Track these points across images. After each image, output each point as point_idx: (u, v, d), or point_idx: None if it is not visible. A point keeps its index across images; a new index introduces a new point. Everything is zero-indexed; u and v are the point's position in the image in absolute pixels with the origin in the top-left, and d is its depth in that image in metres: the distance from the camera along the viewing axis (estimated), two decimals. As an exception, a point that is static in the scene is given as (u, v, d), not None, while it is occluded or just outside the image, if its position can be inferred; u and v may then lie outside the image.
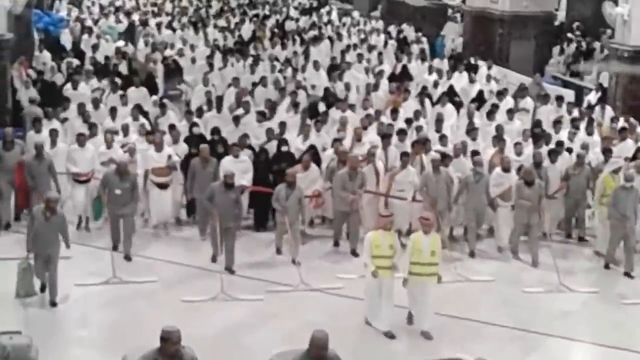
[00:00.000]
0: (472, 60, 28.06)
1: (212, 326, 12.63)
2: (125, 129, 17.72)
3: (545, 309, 13.83)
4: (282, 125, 18.61)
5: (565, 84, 26.69)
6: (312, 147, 17.45)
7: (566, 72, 29.74)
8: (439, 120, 19.62)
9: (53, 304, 13.00)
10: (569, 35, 32.50)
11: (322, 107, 21.72)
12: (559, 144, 17.88)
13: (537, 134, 19.31)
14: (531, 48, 30.22)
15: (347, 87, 23.46)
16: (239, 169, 16.03)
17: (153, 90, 23.17)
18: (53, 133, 16.85)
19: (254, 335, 12.45)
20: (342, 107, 20.66)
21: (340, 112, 20.43)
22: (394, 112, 20.29)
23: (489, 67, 26.45)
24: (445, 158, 16.34)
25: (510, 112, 20.74)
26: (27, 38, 26.45)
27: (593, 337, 13.04)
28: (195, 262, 14.96)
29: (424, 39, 33.18)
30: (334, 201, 15.95)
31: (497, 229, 16.43)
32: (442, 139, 17.96)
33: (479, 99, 23.13)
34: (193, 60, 26.21)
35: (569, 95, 24.40)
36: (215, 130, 17.73)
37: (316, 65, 25.62)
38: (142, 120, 18.97)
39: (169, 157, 16.12)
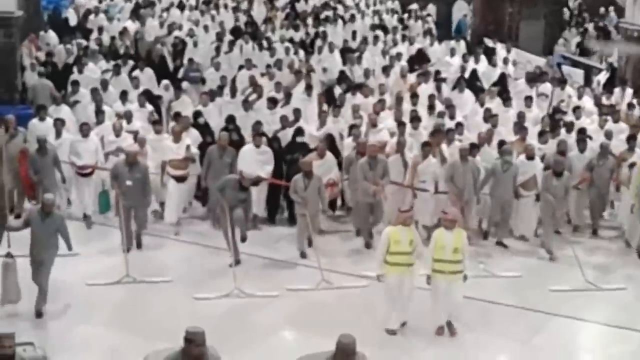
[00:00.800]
0: (491, 43, 27.07)
1: (226, 325, 11.92)
2: (129, 116, 16.92)
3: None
4: (297, 112, 17.80)
5: (575, 64, 26.04)
6: (330, 136, 16.65)
7: (576, 51, 29.14)
8: (451, 107, 18.82)
9: (39, 314, 11.93)
10: (584, 15, 31.85)
11: (337, 91, 20.85)
12: (582, 131, 17.14)
13: (556, 121, 18.58)
14: (541, 27, 29.81)
15: (367, 73, 22.50)
16: (260, 160, 15.37)
17: (164, 73, 22.26)
18: (58, 123, 15.93)
19: (272, 338, 11.85)
20: (365, 93, 19.89)
21: (363, 97, 19.68)
22: (414, 97, 19.45)
23: (508, 50, 25.51)
24: (473, 148, 15.62)
25: (529, 99, 19.86)
26: (36, 16, 25.91)
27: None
28: (209, 260, 14.34)
29: (430, 18, 32.39)
30: (355, 192, 15.23)
31: (517, 218, 15.81)
32: (458, 127, 17.19)
33: (501, 84, 22.18)
34: (195, 44, 25.11)
35: (579, 75, 23.97)
36: (231, 119, 16.98)
37: (331, 47, 24.74)
38: (149, 107, 18.19)
39: (188, 147, 15.33)
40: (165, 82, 20.88)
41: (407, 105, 19.09)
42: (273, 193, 16.00)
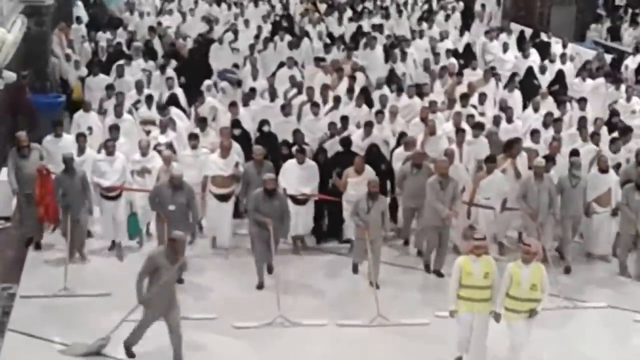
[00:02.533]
0: (545, 37, 24.88)
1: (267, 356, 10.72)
2: (164, 125, 15.19)
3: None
4: (344, 119, 16.03)
5: (607, 50, 24.59)
6: (374, 146, 14.82)
7: (607, 37, 27.77)
8: (508, 109, 16.95)
9: None
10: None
11: (384, 91, 18.76)
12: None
13: (616, 125, 16.75)
14: (572, 13, 28.81)
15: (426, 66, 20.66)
16: (304, 176, 13.68)
17: (205, 73, 20.36)
18: (80, 139, 13.94)
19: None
20: (410, 93, 18.10)
21: (407, 98, 17.88)
22: (464, 98, 17.52)
23: (564, 45, 23.43)
24: (548, 161, 13.92)
25: (583, 101, 17.96)
26: (67, 4, 25.60)
27: None
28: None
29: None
30: (425, 214, 13.37)
31: (589, 237, 14.16)
32: (534, 134, 15.31)
33: (559, 82, 20.23)
34: (220, 41, 22.76)
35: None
36: (264, 123, 15.35)
37: (371, 42, 22.48)
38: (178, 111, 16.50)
39: (237, 164, 13.61)
40: (207, 82, 18.95)
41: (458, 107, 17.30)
42: (321, 211, 14.32)
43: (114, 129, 14.42)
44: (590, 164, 14.65)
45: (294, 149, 14.21)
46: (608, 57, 23.24)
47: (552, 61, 21.39)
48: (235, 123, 15.53)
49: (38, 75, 18.74)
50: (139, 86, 17.76)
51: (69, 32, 23.35)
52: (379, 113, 16.27)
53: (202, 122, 15.42)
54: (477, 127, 15.32)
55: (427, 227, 13.31)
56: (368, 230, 12.51)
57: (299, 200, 13.55)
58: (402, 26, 26.07)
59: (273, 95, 17.64)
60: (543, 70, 20.87)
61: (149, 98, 16.95)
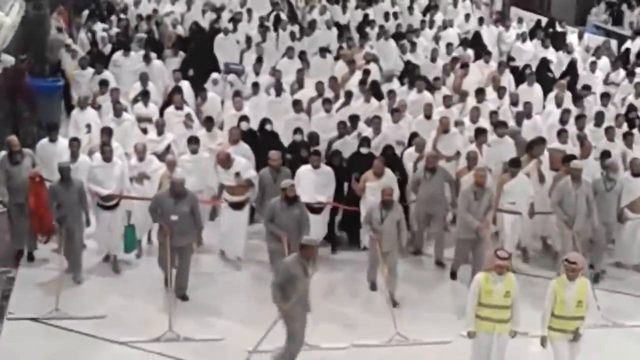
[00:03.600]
0: (558, 27, 23.34)
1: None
2: (161, 125, 13.80)
3: None
4: (354, 117, 14.66)
5: (608, 33, 24.17)
6: (389, 148, 13.54)
7: (608, 20, 26.73)
8: (527, 104, 15.55)
9: None
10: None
11: (394, 85, 17.56)
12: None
13: (633, 121, 15.71)
14: None
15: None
16: (319, 183, 12.47)
17: (212, 64, 18.92)
18: (74, 144, 12.53)
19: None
20: (420, 87, 16.67)
21: (416, 92, 16.55)
22: (480, 93, 16.15)
23: (580, 36, 22.03)
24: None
25: (606, 97, 16.58)
26: None
27: None
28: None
29: None
30: (458, 226, 12.20)
31: (622, 245, 12.98)
32: (562, 134, 13.97)
33: (571, 75, 18.90)
34: (226, 32, 20.90)
35: (613, 44, 22.12)
36: (266, 122, 14.07)
37: (386, 32, 21.03)
38: (187, 109, 15.10)
39: (237, 174, 12.27)
40: (214, 76, 17.62)
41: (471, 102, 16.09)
42: (334, 216, 13.12)
43: (106, 133, 12.99)
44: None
45: (302, 151, 13.08)
46: (612, 42, 22.32)
47: (569, 52, 20.11)
48: (243, 118, 14.22)
49: (37, 59, 17.62)
50: (143, 79, 16.46)
51: (67, 16, 22.21)
52: (395, 111, 14.95)
53: (208, 121, 14.13)
54: (501, 125, 14.03)
55: (458, 239, 12.11)
56: (380, 241, 11.36)
57: (315, 209, 12.36)
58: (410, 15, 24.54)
59: (279, 90, 16.30)
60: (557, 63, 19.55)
61: (145, 94, 15.67)
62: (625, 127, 15.10)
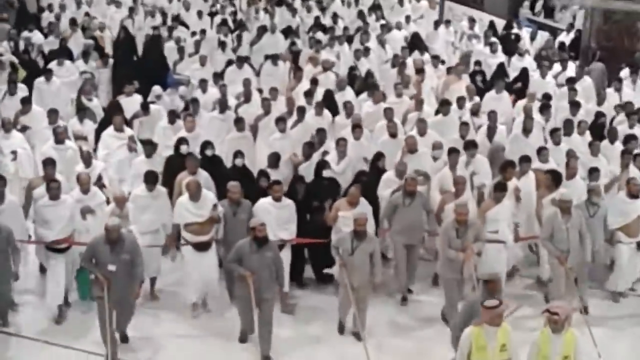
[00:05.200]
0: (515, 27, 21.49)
1: None
2: (87, 158, 11.63)
3: None
4: (321, 133, 12.90)
5: (540, 26, 22.67)
6: (363, 174, 11.78)
7: (540, 11, 25.51)
8: (492, 114, 13.86)
9: None
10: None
11: (348, 94, 15.64)
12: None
13: (602, 127, 14.22)
14: None
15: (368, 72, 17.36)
16: (282, 218, 10.63)
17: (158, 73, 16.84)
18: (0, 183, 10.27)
19: None
20: (376, 97, 14.84)
21: (372, 103, 14.73)
22: (445, 105, 14.27)
23: (533, 37, 20.41)
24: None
25: (575, 106, 14.68)
26: None
27: None
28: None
29: None
30: (441, 266, 10.45)
31: (615, 271, 11.45)
32: (541, 152, 12.32)
33: (523, 79, 17.18)
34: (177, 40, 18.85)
35: (544, 37, 20.88)
36: (207, 146, 12.15)
37: (338, 36, 19.21)
38: (129, 131, 13.03)
39: (215, 206, 10.40)
40: (157, 89, 15.42)
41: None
42: (297, 254, 11.22)
43: (50, 164, 10.87)
44: (608, 187, 12.03)
45: (262, 182, 11.20)
46: (544, 34, 21.06)
47: (521, 55, 18.48)
48: (183, 140, 12.23)
49: None
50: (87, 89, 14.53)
51: None
52: (357, 127, 13.14)
53: (149, 145, 12.16)
54: (471, 146, 12.31)
55: (445, 281, 10.39)
56: (347, 271, 9.75)
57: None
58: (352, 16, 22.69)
59: (224, 106, 14.18)
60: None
61: (80, 109, 13.88)
62: (588, 135, 13.64)
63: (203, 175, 11.12)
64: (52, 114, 13.08)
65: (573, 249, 10.45)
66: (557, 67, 17.76)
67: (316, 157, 12.27)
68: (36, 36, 18.70)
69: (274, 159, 11.95)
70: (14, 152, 12.26)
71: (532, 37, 20.48)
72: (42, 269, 11.03)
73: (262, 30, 19.61)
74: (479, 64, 17.72)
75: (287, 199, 10.70)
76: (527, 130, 13.42)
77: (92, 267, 9.43)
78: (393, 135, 13.07)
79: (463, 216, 10.01)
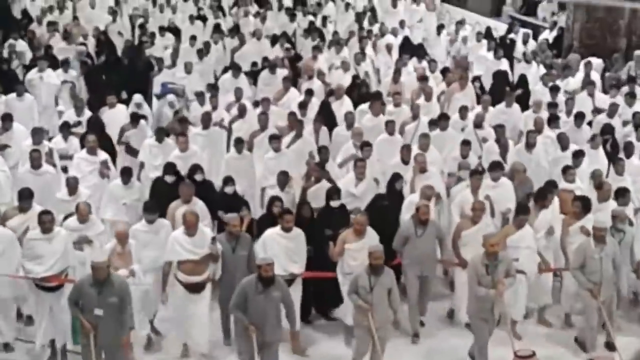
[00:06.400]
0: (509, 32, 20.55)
1: None
2: (72, 185, 10.37)
3: None
4: (324, 152, 11.74)
5: (523, 24, 22.01)
6: (381, 198, 10.64)
7: (522, 8, 24.97)
8: (499, 127, 12.75)
9: None
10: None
11: (346, 105, 14.49)
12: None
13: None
14: None
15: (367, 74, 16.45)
16: (291, 249, 9.49)
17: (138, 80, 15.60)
18: None
19: None
20: (376, 109, 13.65)
21: (372, 116, 13.55)
22: (443, 119, 13.10)
23: (525, 41, 19.34)
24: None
25: (580, 118, 13.69)
26: None
27: None
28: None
29: None
30: (472, 302, 9.19)
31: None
32: (567, 172, 11.22)
33: (522, 86, 16.07)
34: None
35: (528, 35, 20.03)
36: (170, 168, 10.95)
37: (338, 40, 18.09)
38: (103, 154, 11.62)
39: (213, 240, 9.19)
40: (137, 97, 14.24)
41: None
42: (306, 288, 10.05)
43: (26, 197, 9.64)
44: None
45: (275, 207, 9.98)
46: (528, 32, 20.09)
47: (528, 62, 17.41)
48: (169, 169, 11.01)
49: None
50: (78, 105, 13.27)
51: None
52: (366, 146, 11.90)
53: (126, 173, 10.89)
54: (497, 167, 11.19)
55: (473, 320, 9.24)
56: (373, 313, 8.62)
57: (285, 281, 9.16)
58: (347, 20, 21.44)
59: (206, 121, 12.89)
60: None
61: (64, 126, 12.48)
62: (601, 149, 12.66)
63: (199, 205, 9.98)
64: (37, 134, 11.81)
65: (606, 281, 9.43)
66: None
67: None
68: (20, 44, 17.38)
69: (284, 179, 10.84)
70: (-9, 175, 11.08)
71: (525, 41, 19.45)
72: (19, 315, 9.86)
73: (244, 35, 18.44)
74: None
75: (297, 229, 9.57)
76: (530, 145, 12.33)
77: (76, 311, 8.31)
78: (406, 162, 11.66)
79: (494, 249, 8.92)
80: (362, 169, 11.17)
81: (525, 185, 11.17)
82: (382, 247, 8.93)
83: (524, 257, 9.74)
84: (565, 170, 11.25)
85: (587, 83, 15.52)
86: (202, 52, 17.02)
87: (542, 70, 16.79)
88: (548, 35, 20.43)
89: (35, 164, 10.94)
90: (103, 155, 11.57)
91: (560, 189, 10.85)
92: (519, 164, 11.57)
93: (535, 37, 20.21)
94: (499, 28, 21.56)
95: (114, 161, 12.09)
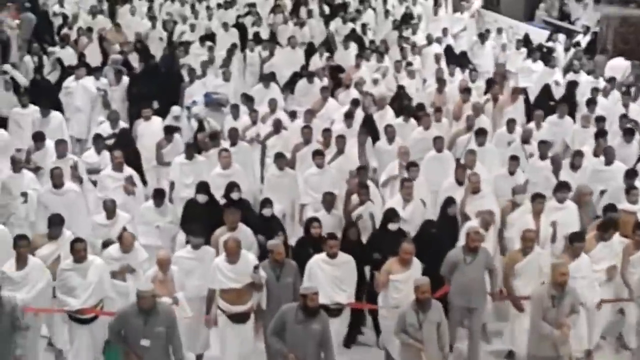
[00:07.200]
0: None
1: None
2: (110, 207, 9.77)
3: None
4: (362, 173, 10.99)
5: (557, 29, 21.56)
6: (430, 224, 9.89)
7: (557, 14, 24.41)
8: (543, 144, 11.96)
9: None
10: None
11: (389, 115, 13.81)
12: None
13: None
14: None
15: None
16: (338, 277, 8.83)
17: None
18: (21, 242, 8.43)
19: None
20: (426, 123, 12.92)
21: (422, 129, 12.83)
22: (481, 135, 12.31)
23: (567, 49, 18.54)
24: None
25: (629, 133, 12.78)
26: None
27: None
28: None
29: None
30: (535, 339, 8.48)
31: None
32: (630, 192, 10.45)
33: (569, 99, 15.14)
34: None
35: (561, 39, 19.75)
36: (202, 187, 10.32)
37: (378, 48, 17.36)
38: (128, 170, 10.99)
39: (256, 268, 8.54)
40: (176, 110, 13.62)
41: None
42: (356, 319, 9.46)
43: (56, 224, 9.02)
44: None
45: (314, 228, 9.36)
46: (561, 37, 19.70)
47: (575, 72, 16.48)
48: (202, 187, 10.40)
49: None
50: (112, 118, 12.73)
51: (16, 15, 19.11)
52: (413, 166, 11.17)
53: (159, 194, 10.29)
54: (563, 188, 10.44)
55: (532, 357, 8.56)
56: (425, 352, 7.95)
57: (332, 311, 8.73)
58: (386, 28, 20.63)
59: (234, 137, 12.15)
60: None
61: (97, 139, 11.90)
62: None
63: (244, 232, 9.33)
64: (60, 145, 11.22)
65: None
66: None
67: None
68: (66, 52, 16.71)
69: (331, 200, 10.20)
70: (24, 194, 10.48)
71: (567, 49, 18.70)
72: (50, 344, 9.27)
73: (275, 46, 17.68)
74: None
75: (345, 255, 8.91)
76: (575, 167, 11.59)
77: (121, 342, 7.75)
78: (460, 182, 10.90)
79: (564, 278, 8.21)
80: (410, 190, 10.48)
81: (588, 209, 10.45)
82: (429, 279, 8.22)
83: (581, 288, 8.88)
84: (629, 190, 10.50)
85: (623, 93, 14.88)
86: (226, 62, 16.35)
87: (589, 78, 16.02)
88: (581, 39, 19.91)
89: (57, 182, 10.23)
90: (128, 171, 10.97)
91: (621, 209, 10.12)
92: (585, 187, 10.80)
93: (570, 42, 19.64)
94: (532, 32, 21.01)
95: (141, 177, 11.51)
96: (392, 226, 9.58)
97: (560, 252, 9.68)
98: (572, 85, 15.62)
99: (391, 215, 9.68)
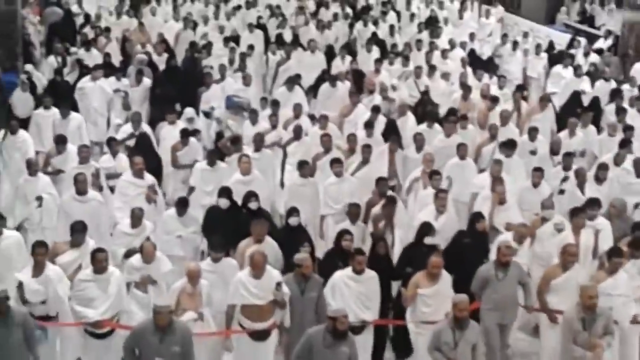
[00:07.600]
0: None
1: None
2: (138, 216, 9.36)
3: None
4: (381, 184, 10.50)
5: (577, 32, 21.30)
6: (464, 235, 9.55)
7: (578, 17, 24.52)
8: (568, 156, 11.49)
9: None
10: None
11: (411, 122, 13.39)
12: None
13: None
14: None
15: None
16: (363, 294, 8.44)
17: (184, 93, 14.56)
18: (39, 250, 8.12)
19: None
20: (450, 129, 12.47)
21: (444, 136, 12.42)
22: (509, 146, 11.73)
23: (587, 54, 18.03)
24: None
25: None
26: None
27: None
28: None
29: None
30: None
31: None
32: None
33: (595, 107, 14.68)
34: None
35: (583, 43, 19.14)
36: (225, 192, 9.93)
37: (402, 52, 16.95)
38: (149, 177, 10.57)
39: (278, 285, 8.13)
40: (189, 112, 13.28)
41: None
42: (380, 336, 9.02)
43: (79, 231, 8.63)
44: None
45: (345, 240, 8.94)
46: (582, 41, 19.18)
47: (606, 80, 15.96)
48: (224, 192, 10.01)
49: (8, 55, 16.05)
50: (135, 119, 12.42)
51: (39, 11, 19.23)
52: (436, 174, 10.79)
53: (181, 203, 9.87)
54: (594, 204, 9.95)
55: None
56: None
57: (354, 329, 8.30)
58: (411, 32, 20.15)
59: (259, 143, 11.76)
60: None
61: (111, 141, 11.58)
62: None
63: (270, 245, 8.93)
64: (83, 151, 10.81)
65: None
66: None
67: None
68: (92, 55, 16.35)
69: (356, 211, 9.80)
70: (39, 199, 10.13)
71: (586, 54, 18.19)
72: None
73: (291, 48, 17.15)
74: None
75: (370, 271, 8.52)
76: (600, 179, 11.15)
77: (133, 358, 7.38)
78: (502, 202, 10.41)
79: (593, 301, 7.83)
80: (444, 202, 10.11)
81: (621, 225, 10.00)
82: (467, 297, 7.86)
83: (618, 307, 8.54)
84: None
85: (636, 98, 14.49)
86: (242, 66, 15.82)
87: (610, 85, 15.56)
88: (602, 44, 19.64)
89: (81, 188, 9.82)
90: (150, 178, 10.56)
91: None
92: (619, 202, 10.37)
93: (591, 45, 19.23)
94: (553, 36, 20.73)
95: (159, 183, 11.18)
96: (428, 240, 9.19)
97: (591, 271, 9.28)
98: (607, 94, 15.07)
99: (426, 229, 9.29)
